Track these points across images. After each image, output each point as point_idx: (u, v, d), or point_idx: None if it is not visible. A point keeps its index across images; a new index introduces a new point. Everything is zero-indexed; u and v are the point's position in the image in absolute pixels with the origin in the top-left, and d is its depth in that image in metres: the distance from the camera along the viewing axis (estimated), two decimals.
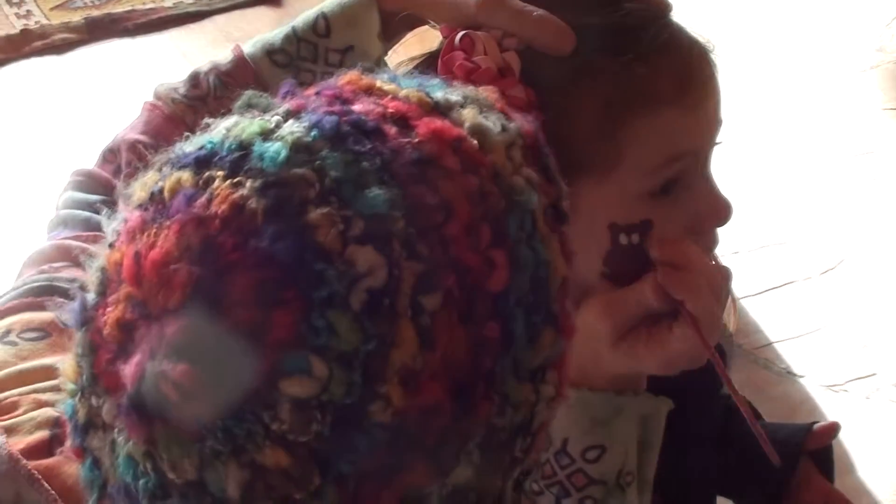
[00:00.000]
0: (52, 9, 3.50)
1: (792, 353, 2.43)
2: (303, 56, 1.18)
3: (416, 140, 0.76)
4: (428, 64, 1.13)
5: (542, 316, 0.78)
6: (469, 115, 0.80)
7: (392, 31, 1.18)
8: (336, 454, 0.72)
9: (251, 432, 0.71)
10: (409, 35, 1.20)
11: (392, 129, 0.77)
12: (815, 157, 2.84)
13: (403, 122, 0.78)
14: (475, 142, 0.78)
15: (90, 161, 1.23)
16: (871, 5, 3.25)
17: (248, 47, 1.21)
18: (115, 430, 0.75)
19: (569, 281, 0.81)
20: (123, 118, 1.24)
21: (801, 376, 2.40)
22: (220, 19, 3.47)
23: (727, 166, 2.64)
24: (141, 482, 0.74)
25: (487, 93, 0.85)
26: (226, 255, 0.71)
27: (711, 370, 1.29)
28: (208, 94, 1.19)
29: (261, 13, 3.46)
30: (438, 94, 0.81)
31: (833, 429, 1.36)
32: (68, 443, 0.80)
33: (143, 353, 0.72)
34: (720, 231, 1.14)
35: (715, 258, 1.21)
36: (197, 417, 0.71)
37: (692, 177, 1.10)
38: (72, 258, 1.06)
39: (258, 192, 0.72)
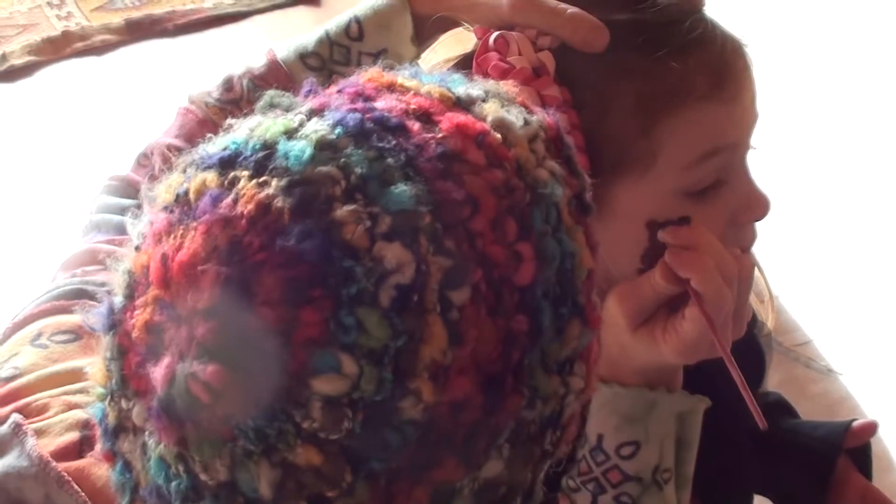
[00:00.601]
0: (92, 10, 3.52)
1: (832, 350, 2.42)
2: (336, 59, 1.18)
3: (441, 135, 0.76)
4: (463, 66, 1.13)
5: (568, 308, 0.78)
6: (491, 109, 0.80)
7: (425, 34, 1.18)
8: (367, 451, 0.72)
9: (282, 431, 0.71)
10: (444, 36, 1.20)
11: (415, 125, 0.77)
12: (864, 151, 2.83)
13: (426, 117, 0.78)
14: (498, 136, 0.78)
15: (128, 162, 1.24)
16: None
17: (282, 51, 1.21)
18: (146, 433, 0.75)
19: (594, 273, 0.81)
20: (162, 119, 1.25)
21: (842, 374, 2.38)
22: (259, 20, 3.48)
23: (772, 158, 2.65)
24: (173, 484, 0.74)
25: (508, 87, 0.85)
26: (253, 255, 0.71)
27: (750, 368, 1.29)
28: (241, 98, 1.20)
29: (300, 13, 3.47)
30: (460, 90, 0.81)
31: (872, 427, 1.36)
32: (98, 446, 0.80)
33: (172, 355, 0.73)
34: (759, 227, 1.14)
35: (753, 256, 1.21)
36: (228, 418, 0.71)
37: (730, 172, 1.10)
38: (104, 263, 1.07)
39: (284, 191, 0.72)
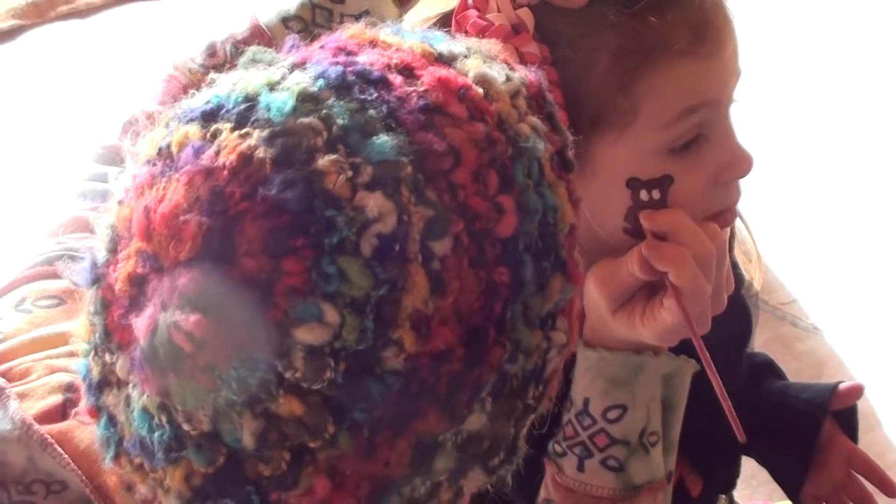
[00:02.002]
0: None
1: (818, 309, 2.42)
2: (318, 23, 1.18)
3: (422, 88, 0.77)
4: (442, 24, 1.12)
5: (550, 262, 0.78)
6: (473, 64, 0.80)
7: None
8: (349, 401, 0.72)
9: (265, 381, 0.71)
10: None
11: (397, 79, 0.77)
12: (852, 112, 2.83)
13: (408, 71, 0.78)
14: (480, 90, 0.79)
15: (113, 127, 1.24)
16: None
17: (265, 16, 1.21)
18: (130, 385, 0.75)
19: (576, 228, 0.81)
20: (146, 82, 1.25)
21: (828, 332, 2.39)
22: None
23: (756, 116, 2.64)
24: (156, 434, 0.74)
25: (490, 45, 0.85)
26: (235, 205, 0.71)
27: (737, 328, 1.29)
28: (225, 63, 1.20)
29: None
30: (442, 46, 0.82)
31: (858, 389, 1.36)
32: (82, 403, 0.80)
33: (155, 305, 0.73)
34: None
35: (739, 214, 1.20)
36: (210, 368, 0.71)
37: (712, 129, 1.09)
38: (88, 229, 1.07)
39: (266, 142, 0.73)
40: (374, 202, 0.72)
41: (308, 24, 1.19)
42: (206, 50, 1.22)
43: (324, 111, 0.74)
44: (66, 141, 2.78)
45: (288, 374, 0.71)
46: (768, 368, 1.41)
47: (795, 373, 2.27)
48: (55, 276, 1.05)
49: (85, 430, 0.91)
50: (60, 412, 0.94)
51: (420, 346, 0.73)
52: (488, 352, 0.75)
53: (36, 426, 0.92)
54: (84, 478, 0.90)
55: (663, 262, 1.06)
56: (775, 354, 2.25)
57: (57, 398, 0.95)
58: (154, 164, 0.76)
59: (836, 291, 2.46)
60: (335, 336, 0.71)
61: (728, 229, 1.16)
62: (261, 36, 1.19)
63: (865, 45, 3.07)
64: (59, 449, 0.91)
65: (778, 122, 2.82)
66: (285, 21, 1.20)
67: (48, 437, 0.91)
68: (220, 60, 1.20)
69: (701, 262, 1.07)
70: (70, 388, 0.94)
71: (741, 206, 1.15)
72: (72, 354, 0.81)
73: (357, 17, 1.17)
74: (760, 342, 2.31)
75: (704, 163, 1.09)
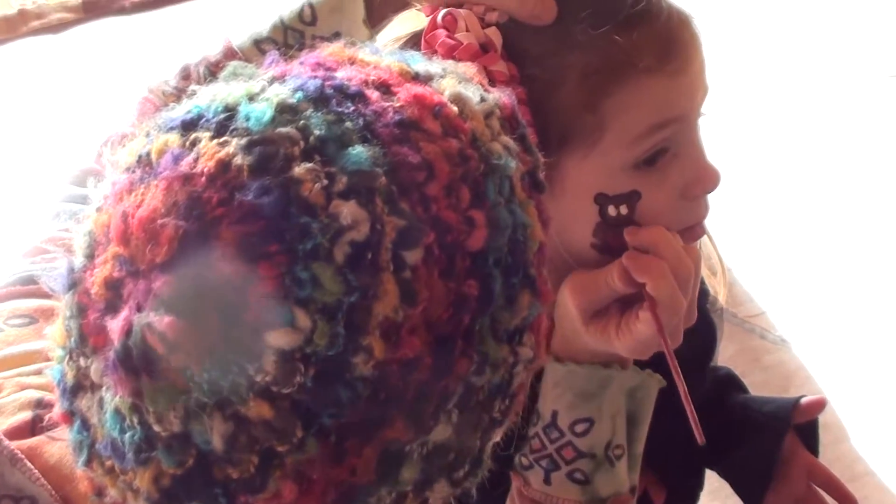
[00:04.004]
0: None
1: (786, 321, 2.44)
2: (290, 44, 1.20)
3: (399, 104, 0.79)
4: (413, 43, 1.14)
5: (519, 278, 0.80)
6: (449, 84, 0.83)
7: (378, 15, 1.19)
8: (318, 406, 0.73)
9: (236, 384, 0.73)
10: (401, 16, 1.21)
11: (374, 94, 0.79)
12: (818, 124, 2.85)
13: (385, 88, 0.80)
14: (455, 108, 0.81)
15: (87, 143, 1.25)
16: None
17: (237, 38, 1.22)
18: (104, 388, 0.76)
19: (545, 247, 0.83)
20: (121, 99, 1.26)
21: (795, 344, 2.40)
22: None
23: (726, 131, 2.66)
24: (127, 435, 0.75)
25: (466, 67, 0.88)
26: (212, 210, 0.73)
27: (701, 342, 1.31)
28: (199, 85, 1.21)
29: None
30: (419, 66, 0.84)
31: (820, 403, 1.37)
32: (54, 411, 0.81)
33: (130, 308, 0.74)
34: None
35: (705, 229, 1.22)
36: (182, 369, 0.73)
37: (679, 145, 1.10)
38: (64, 250, 1.08)
39: (244, 150, 0.74)
40: (347, 210, 0.73)
41: (281, 46, 1.20)
42: (180, 72, 1.23)
43: (301, 122, 0.76)
44: (40, 158, 2.78)
45: (259, 378, 0.73)
46: (731, 382, 1.43)
47: (763, 385, 2.30)
48: (28, 295, 1.06)
49: (55, 446, 0.92)
50: (30, 428, 0.95)
51: (389, 353, 0.74)
52: (456, 363, 0.77)
53: (6, 441, 0.93)
54: (53, 493, 0.91)
55: (643, 272, 1.08)
56: (743, 366, 2.29)
57: (27, 414, 0.95)
58: (133, 172, 0.77)
59: (803, 304, 2.48)
60: (306, 341, 0.72)
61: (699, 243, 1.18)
62: (234, 58, 1.20)
63: (829, 57, 3.09)
64: (28, 464, 0.92)
65: (746, 135, 2.84)
66: (258, 43, 1.21)
67: (18, 452, 0.92)
68: (193, 82, 1.21)
69: (679, 277, 1.08)
70: (40, 404, 0.95)
71: (707, 220, 1.16)
72: (42, 372, 0.82)
73: (329, 39, 1.18)
74: (729, 354, 2.33)
75: (672, 178, 1.10)
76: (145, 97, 1.23)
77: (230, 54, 1.21)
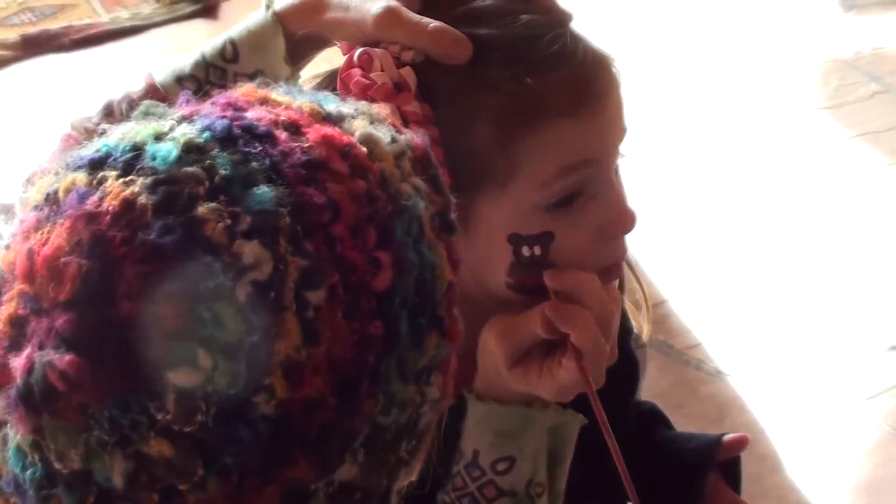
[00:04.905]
0: None
1: (722, 352, 2.46)
2: (212, 81, 1.20)
3: (307, 144, 0.79)
4: (330, 81, 1.14)
5: (427, 318, 0.81)
6: (360, 125, 0.83)
7: (301, 53, 1.20)
8: (220, 445, 0.74)
9: (136, 422, 0.73)
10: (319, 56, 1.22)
11: (283, 134, 0.79)
12: (743, 156, 2.87)
13: (295, 128, 0.80)
14: (365, 149, 0.81)
15: (13, 180, 1.24)
16: (799, 6, 3.27)
17: (160, 75, 1.23)
18: (8, 424, 0.77)
19: (455, 287, 0.83)
20: (50, 137, 1.26)
21: (731, 375, 2.42)
22: (157, 33, 3.46)
23: (654, 166, 2.68)
24: (28, 472, 0.76)
25: (379, 108, 0.88)
26: (115, 249, 0.73)
27: (624, 379, 1.31)
28: (121, 122, 1.21)
29: (197, 26, 3.46)
30: (331, 106, 0.84)
31: (743, 441, 1.37)
32: None
33: (32, 345, 0.74)
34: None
35: (628, 261, 1.23)
36: (83, 407, 0.73)
37: (595, 186, 1.11)
38: None
39: (148, 189, 0.75)
40: (250, 250, 0.74)
41: (203, 83, 1.20)
42: (103, 109, 1.23)
43: (207, 161, 0.77)
44: None
45: (160, 416, 0.73)
46: (656, 417, 1.43)
47: (699, 416, 2.31)
48: None
49: None
50: None
51: (291, 392, 0.74)
52: (361, 403, 0.77)
53: None
54: None
55: (567, 324, 1.09)
56: (680, 398, 2.31)
57: None
58: (41, 210, 0.78)
59: (739, 335, 2.49)
60: (208, 380, 0.73)
61: (617, 281, 1.19)
62: (156, 94, 1.20)
63: (763, 89, 3.12)
64: None
65: (683, 168, 2.85)
66: (180, 80, 1.21)
67: None
68: (116, 119, 1.21)
69: (602, 323, 1.09)
70: None
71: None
72: None
73: (251, 76, 1.19)
74: (665, 385, 2.35)
75: (587, 219, 1.11)
76: (68, 134, 1.23)
77: (152, 91, 1.21)
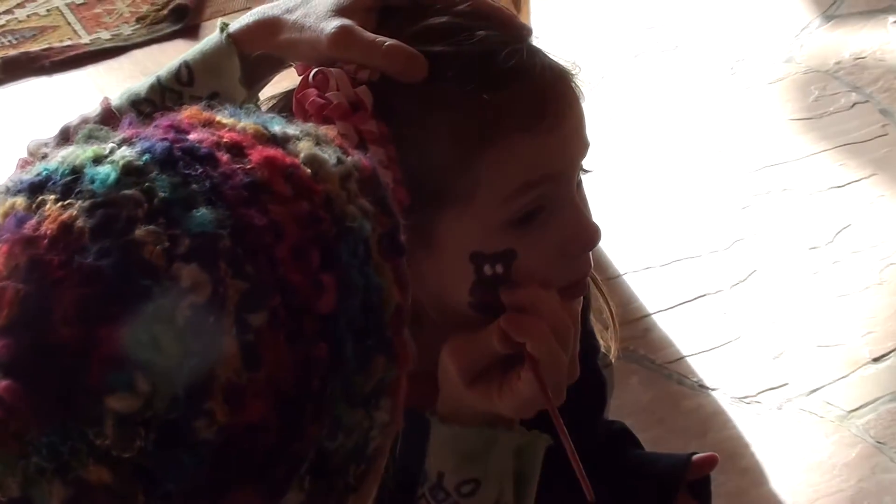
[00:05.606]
0: None
1: (704, 366, 2.45)
2: (168, 105, 1.19)
3: (249, 166, 0.79)
4: (285, 102, 1.14)
5: (373, 341, 0.80)
6: (305, 146, 0.82)
7: (258, 75, 1.19)
8: (161, 471, 0.73)
9: (75, 449, 0.72)
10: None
11: (225, 156, 0.79)
12: (724, 170, 2.86)
13: (237, 150, 0.80)
14: (309, 171, 0.81)
15: None
16: (779, 16, 3.26)
17: (116, 99, 1.22)
18: None
19: (404, 310, 0.83)
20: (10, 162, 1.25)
21: (714, 389, 2.41)
22: (137, 54, 3.46)
23: (635, 180, 2.67)
24: None
25: (327, 130, 0.87)
26: (52, 273, 0.73)
27: (591, 398, 1.30)
28: None
29: (178, 47, 3.45)
30: (276, 128, 0.84)
31: (713, 460, 1.36)
32: None
33: None
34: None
35: (595, 280, 1.22)
36: (21, 434, 0.72)
37: (556, 202, 1.10)
38: None
39: (86, 212, 0.75)
40: (189, 273, 0.73)
41: (158, 107, 1.19)
42: (60, 133, 1.22)
43: (146, 184, 0.76)
44: None
45: (98, 442, 0.72)
46: (625, 437, 1.42)
47: (682, 430, 2.31)
48: None
49: None
50: None
51: (233, 417, 0.74)
52: (306, 427, 0.77)
53: None
54: None
55: (521, 332, 1.08)
56: (662, 412, 2.30)
57: None
58: None
59: (721, 349, 2.49)
60: (146, 405, 0.72)
61: (581, 299, 1.18)
62: (112, 118, 1.20)
63: (730, 104, 3.10)
64: None
65: (662, 177, 2.84)
66: (135, 104, 1.20)
67: None
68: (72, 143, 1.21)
69: (558, 334, 1.08)
70: None
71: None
72: None
73: (206, 100, 1.18)
74: (647, 400, 2.35)
75: (549, 236, 1.10)
76: (24, 158, 1.22)
77: (108, 115, 1.20)
